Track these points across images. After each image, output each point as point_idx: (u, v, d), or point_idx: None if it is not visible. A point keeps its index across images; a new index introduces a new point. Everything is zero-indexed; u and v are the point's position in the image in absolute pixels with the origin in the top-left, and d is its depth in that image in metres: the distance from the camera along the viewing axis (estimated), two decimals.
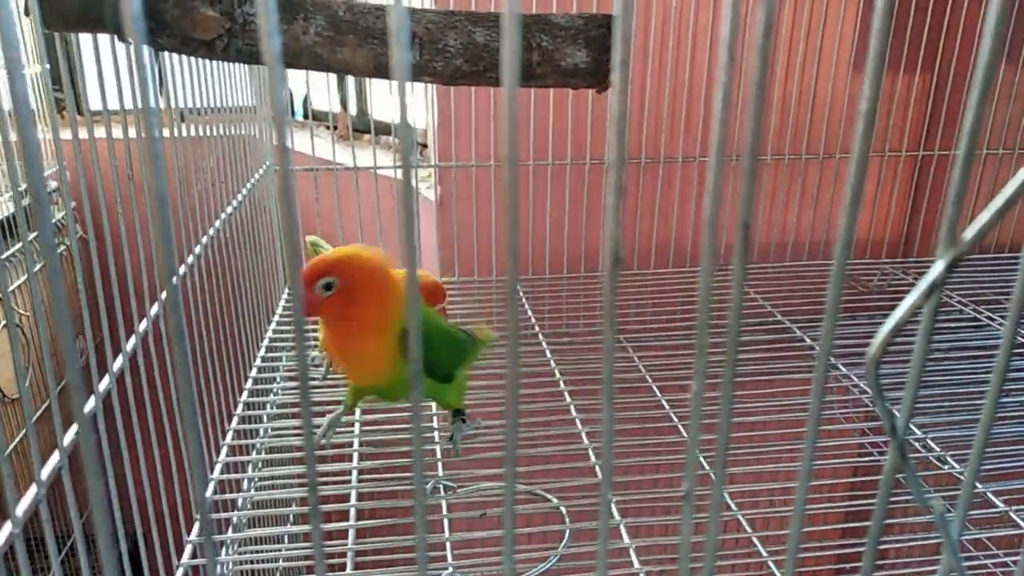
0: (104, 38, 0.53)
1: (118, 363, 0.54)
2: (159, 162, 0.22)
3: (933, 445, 0.84)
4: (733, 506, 0.77)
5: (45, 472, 0.44)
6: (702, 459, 0.83)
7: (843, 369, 0.98)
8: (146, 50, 0.52)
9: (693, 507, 0.27)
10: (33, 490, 0.44)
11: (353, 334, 0.65)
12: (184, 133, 0.79)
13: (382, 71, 0.49)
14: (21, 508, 0.41)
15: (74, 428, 0.49)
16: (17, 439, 1.73)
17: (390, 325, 0.64)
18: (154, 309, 0.64)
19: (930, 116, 1.30)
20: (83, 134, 0.49)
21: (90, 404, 0.50)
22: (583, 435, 0.84)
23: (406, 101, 0.22)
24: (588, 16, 0.50)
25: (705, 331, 0.24)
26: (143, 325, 0.61)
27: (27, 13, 0.48)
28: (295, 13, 0.46)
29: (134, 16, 0.20)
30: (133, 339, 0.58)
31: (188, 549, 0.69)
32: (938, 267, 0.23)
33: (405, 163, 0.23)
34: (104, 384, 0.51)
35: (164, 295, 0.70)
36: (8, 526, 0.40)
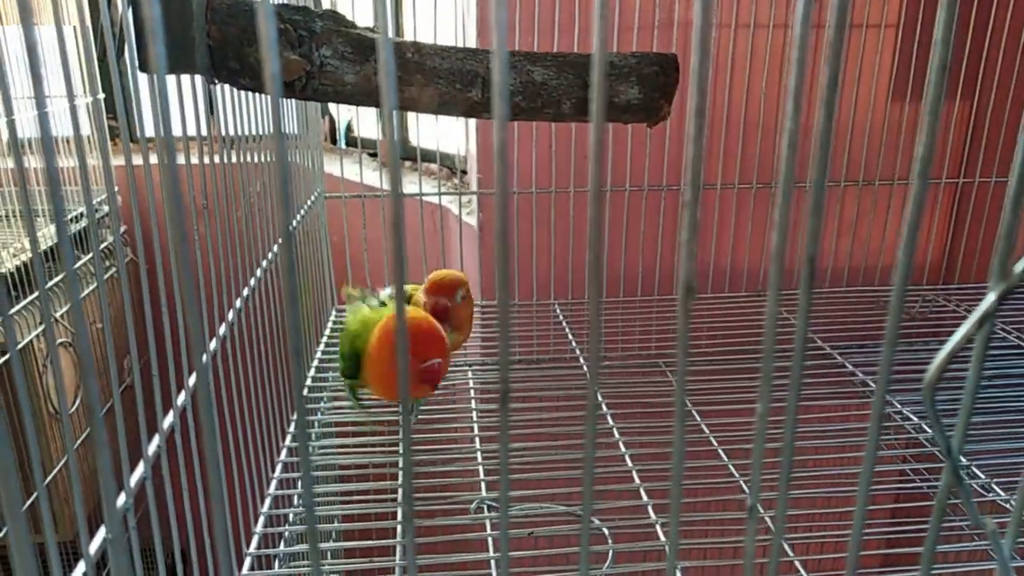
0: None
1: (192, 379, 0.58)
2: (285, 169, 0.25)
3: (978, 472, 0.84)
4: (772, 527, 0.78)
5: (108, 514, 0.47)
6: (743, 483, 0.84)
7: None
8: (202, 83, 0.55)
9: (757, 521, 0.28)
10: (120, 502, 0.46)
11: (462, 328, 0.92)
12: (242, 159, 0.82)
13: (445, 108, 0.52)
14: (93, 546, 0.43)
15: (154, 442, 0.52)
16: (63, 461, 1.78)
17: None
18: (222, 329, 0.67)
19: (970, 143, 1.31)
20: (136, 160, 0.51)
21: (154, 445, 0.53)
22: (626, 458, 0.86)
23: (504, 142, 0.24)
24: (641, 55, 0.53)
25: (771, 355, 0.26)
26: (212, 344, 0.64)
27: (101, 58, 0.52)
28: (367, 55, 0.49)
29: (273, 75, 0.23)
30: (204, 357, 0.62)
31: (248, 561, 0.71)
32: (989, 299, 0.25)
33: (501, 193, 0.25)
34: (181, 399, 0.54)
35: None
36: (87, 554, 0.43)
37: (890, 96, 1.26)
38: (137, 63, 0.48)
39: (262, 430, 0.84)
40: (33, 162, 1.68)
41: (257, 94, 0.90)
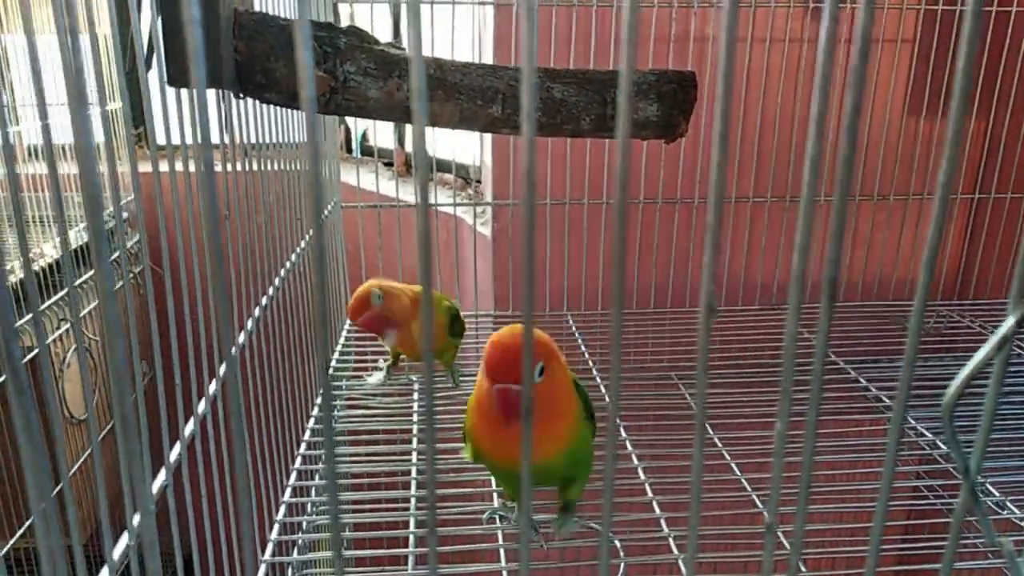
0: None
1: (213, 386, 0.58)
2: (317, 175, 0.26)
3: (993, 490, 0.83)
4: (787, 544, 0.77)
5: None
6: (755, 496, 0.84)
7: None
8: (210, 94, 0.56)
9: (775, 538, 0.29)
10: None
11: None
12: (254, 167, 0.81)
13: (466, 123, 0.53)
14: (118, 550, 0.44)
15: (176, 449, 0.53)
16: (77, 464, 1.80)
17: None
18: (241, 338, 0.68)
19: (986, 159, 1.30)
20: (162, 167, 0.52)
21: (189, 428, 0.54)
22: (639, 471, 0.86)
23: (533, 160, 0.25)
24: (659, 73, 0.53)
25: (790, 373, 0.26)
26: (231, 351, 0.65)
27: (148, 67, 0.53)
28: (391, 71, 0.50)
29: (310, 97, 0.24)
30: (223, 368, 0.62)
31: (263, 568, 0.72)
32: (1009, 323, 0.25)
33: (528, 213, 0.26)
34: (201, 407, 0.55)
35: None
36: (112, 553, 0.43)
37: (906, 111, 1.26)
38: (165, 76, 0.49)
39: (277, 437, 0.85)
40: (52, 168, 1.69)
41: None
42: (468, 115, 0.51)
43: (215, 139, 0.65)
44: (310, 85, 0.24)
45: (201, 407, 0.56)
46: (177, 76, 0.47)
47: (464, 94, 0.51)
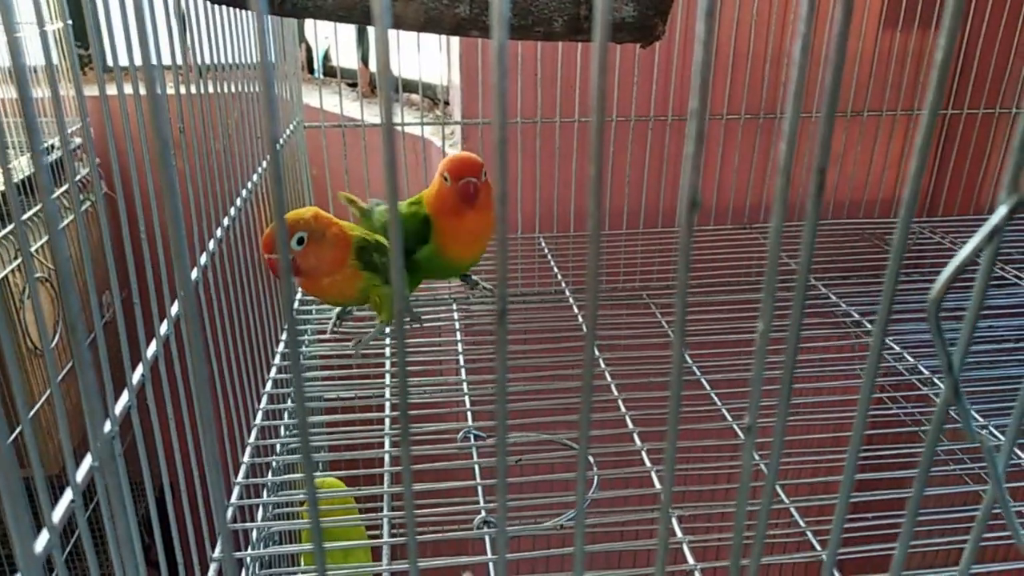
0: None
1: (167, 325, 0.56)
2: (274, 108, 0.24)
3: (974, 415, 0.85)
4: (763, 466, 0.79)
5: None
6: (730, 418, 0.85)
7: (868, 326, 1.00)
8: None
9: (755, 439, 0.28)
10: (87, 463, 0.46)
11: (324, 271, 0.82)
12: (210, 89, 0.76)
13: (431, 25, 0.50)
14: (79, 474, 0.43)
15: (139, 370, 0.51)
16: (45, 395, 1.77)
17: (349, 246, 0.84)
18: (203, 259, 0.65)
19: (959, 75, 1.29)
20: (110, 91, 0.48)
21: (138, 374, 0.52)
22: (612, 387, 0.87)
23: (505, 63, 0.23)
24: None
25: (774, 271, 0.25)
26: (193, 274, 0.63)
27: None
28: None
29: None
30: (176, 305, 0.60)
31: (236, 490, 0.72)
32: (1000, 212, 0.24)
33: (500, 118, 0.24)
34: (151, 349, 0.53)
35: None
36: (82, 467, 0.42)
37: (881, 24, 1.24)
38: None
39: (245, 363, 0.84)
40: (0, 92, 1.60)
41: (232, 22, 0.86)
42: (434, 16, 0.48)
43: (167, 62, 0.61)
44: None
45: (164, 329, 0.54)
46: None
47: None
